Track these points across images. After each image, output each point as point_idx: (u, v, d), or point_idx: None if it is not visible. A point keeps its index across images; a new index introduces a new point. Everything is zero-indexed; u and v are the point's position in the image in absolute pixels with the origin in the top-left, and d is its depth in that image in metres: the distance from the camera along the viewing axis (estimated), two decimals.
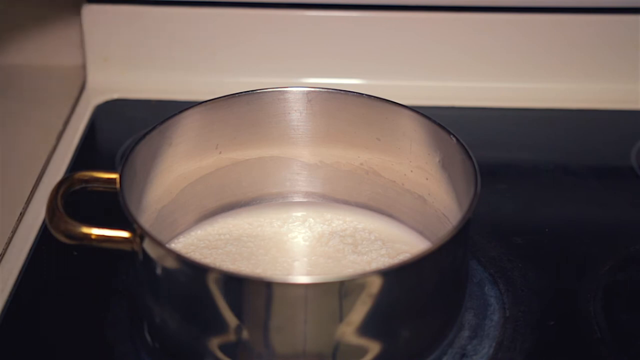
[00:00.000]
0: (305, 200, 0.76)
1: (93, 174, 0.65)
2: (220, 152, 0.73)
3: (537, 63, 0.96)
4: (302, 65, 0.96)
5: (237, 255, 0.71)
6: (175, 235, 0.73)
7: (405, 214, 0.74)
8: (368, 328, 0.59)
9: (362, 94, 0.71)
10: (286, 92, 0.72)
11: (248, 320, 0.59)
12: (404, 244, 0.72)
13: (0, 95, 0.96)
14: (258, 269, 0.70)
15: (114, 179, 0.64)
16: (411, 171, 0.72)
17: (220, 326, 0.59)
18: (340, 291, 0.58)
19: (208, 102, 0.71)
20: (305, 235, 0.73)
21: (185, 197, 0.72)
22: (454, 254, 0.63)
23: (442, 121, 0.68)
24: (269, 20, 0.95)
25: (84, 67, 0.98)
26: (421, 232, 0.73)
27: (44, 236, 0.75)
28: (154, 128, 0.67)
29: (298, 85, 0.72)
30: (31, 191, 0.81)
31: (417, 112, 0.70)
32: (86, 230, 0.61)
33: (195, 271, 0.58)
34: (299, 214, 0.75)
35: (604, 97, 0.95)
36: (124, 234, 0.61)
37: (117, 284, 0.71)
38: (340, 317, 0.58)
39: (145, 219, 0.68)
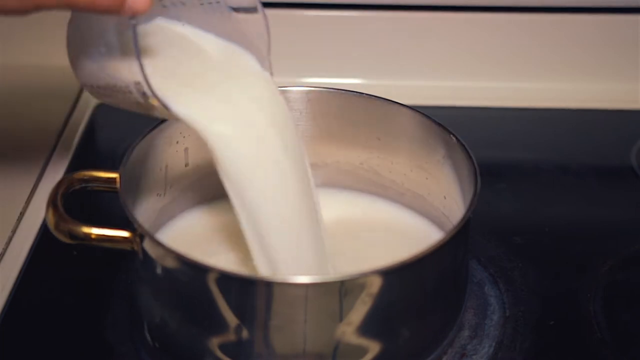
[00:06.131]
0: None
1: (93, 174, 0.65)
2: None
3: (537, 63, 0.96)
4: (302, 65, 0.96)
5: (232, 245, 0.70)
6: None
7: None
8: (368, 328, 0.59)
9: (362, 93, 0.71)
10: (286, 92, 0.71)
11: (248, 320, 0.59)
12: None
13: (0, 95, 0.96)
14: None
15: (114, 179, 0.64)
16: (411, 171, 0.72)
17: (220, 326, 0.59)
18: (340, 291, 0.57)
19: None
20: None
21: (185, 197, 0.72)
22: (454, 254, 0.63)
23: (442, 121, 0.68)
24: (269, 20, 0.95)
25: None
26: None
27: (44, 236, 0.75)
28: (154, 128, 0.67)
29: (298, 85, 0.72)
30: (31, 191, 0.81)
31: (417, 112, 0.70)
32: (86, 230, 0.61)
33: (195, 271, 0.58)
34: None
35: (604, 97, 0.95)
36: (124, 233, 0.61)
37: (117, 284, 0.71)
38: (340, 317, 0.58)
39: (145, 219, 0.68)
